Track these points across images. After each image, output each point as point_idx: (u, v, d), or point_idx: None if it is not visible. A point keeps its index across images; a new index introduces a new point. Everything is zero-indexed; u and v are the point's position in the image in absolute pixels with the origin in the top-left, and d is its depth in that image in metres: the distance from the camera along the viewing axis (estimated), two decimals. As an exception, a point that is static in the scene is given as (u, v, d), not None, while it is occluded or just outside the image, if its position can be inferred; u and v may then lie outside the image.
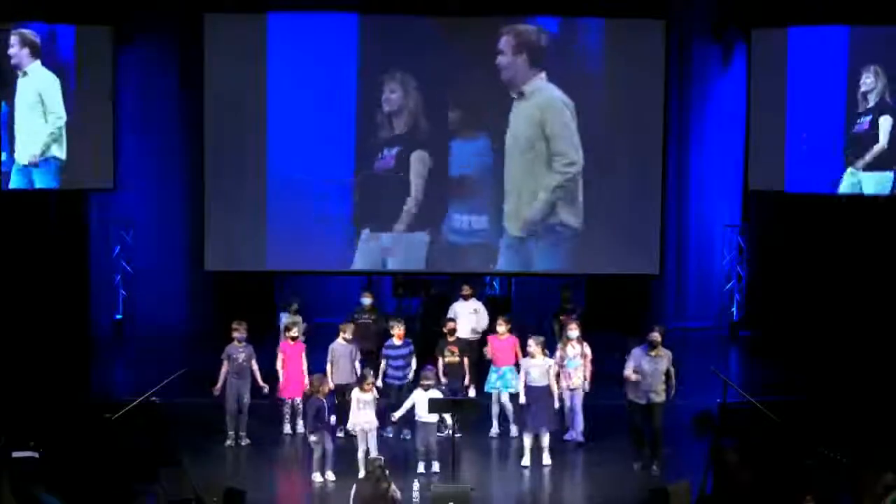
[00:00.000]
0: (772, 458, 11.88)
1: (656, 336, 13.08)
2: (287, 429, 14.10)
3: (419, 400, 12.75)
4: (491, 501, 12.36)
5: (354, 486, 10.76)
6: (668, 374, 13.07)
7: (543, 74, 17.24)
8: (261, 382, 13.85)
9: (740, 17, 17.97)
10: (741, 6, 17.99)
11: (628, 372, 13.06)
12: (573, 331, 13.87)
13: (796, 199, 17.67)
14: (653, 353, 12.98)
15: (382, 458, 11.08)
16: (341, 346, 13.82)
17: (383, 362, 14.00)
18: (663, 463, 13.05)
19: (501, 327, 14.24)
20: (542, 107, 17.25)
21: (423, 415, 12.73)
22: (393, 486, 10.78)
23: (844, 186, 16.93)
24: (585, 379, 13.87)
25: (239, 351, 13.71)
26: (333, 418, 12.98)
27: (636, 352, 13.11)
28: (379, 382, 13.74)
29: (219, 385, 13.67)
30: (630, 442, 13.40)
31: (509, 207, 17.35)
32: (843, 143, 17.02)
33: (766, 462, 11.78)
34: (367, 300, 15.19)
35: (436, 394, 12.79)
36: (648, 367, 12.93)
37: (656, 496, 11.46)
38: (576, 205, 17.34)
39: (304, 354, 14.06)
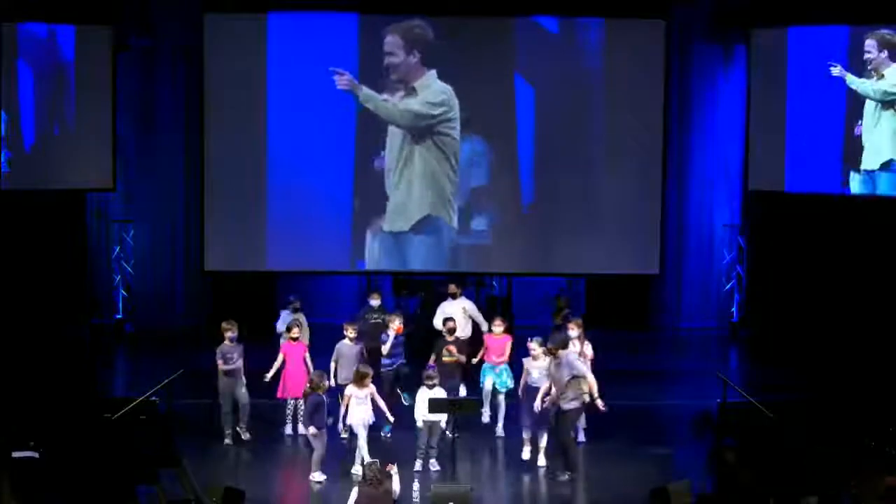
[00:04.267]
0: (772, 458, 11.87)
1: (551, 342, 12.76)
2: (288, 429, 14.06)
3: (423, 399, 12.74)
4: (490, 501, 12.37)
5: (355, 489, 10.74)
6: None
7: (434, 72, 17.21)
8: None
9: (740, 17, 17.98)
10: (741, 6, 18.00)
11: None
12: (572, 330, 13.84)
13: (796, 199, 17.68)
14: (555, 362, 12.68)
15: (378, 460, 11.05)
16: (347, 347, 13.79)
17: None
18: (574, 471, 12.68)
19: (499, 328, 14.24)
20: (434, 101, 17.24)
21: (426, 414, 12.71)
22: (395, 488, 10.76)
23: (854, 186, 16.94)
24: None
25: (232, 350, 13.72)
26: (331, 420, 12.98)
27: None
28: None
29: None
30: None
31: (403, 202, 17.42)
32: (842, 143, 17.03)
33: (766, 462, 11.76)
34: (375, 301, 15.16)
35: (439, 393, 12.78)
36: (555, 374, 12.72)
37: (656, 496, 11.45)
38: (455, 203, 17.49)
39: (306, 354, 14.04)
